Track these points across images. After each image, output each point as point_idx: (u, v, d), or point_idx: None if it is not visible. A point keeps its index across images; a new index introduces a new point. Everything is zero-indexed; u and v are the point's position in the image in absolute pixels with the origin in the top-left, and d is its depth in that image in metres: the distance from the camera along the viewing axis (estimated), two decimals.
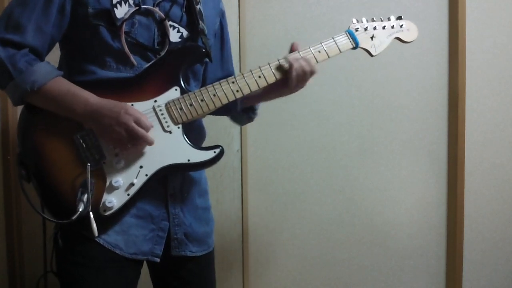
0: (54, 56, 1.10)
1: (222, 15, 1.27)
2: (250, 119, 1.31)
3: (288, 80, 1.09)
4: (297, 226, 1.83)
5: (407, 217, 1.82)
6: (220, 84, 1.08)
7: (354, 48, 1.16)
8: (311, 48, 1.12)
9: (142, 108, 1.03)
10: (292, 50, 1.12)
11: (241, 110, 1.25)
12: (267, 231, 1.83)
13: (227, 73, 1.26)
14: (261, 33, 1.78)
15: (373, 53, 1.17)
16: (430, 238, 1.82)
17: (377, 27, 1.17)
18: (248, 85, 1.09)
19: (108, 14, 1.03)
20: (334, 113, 1.80)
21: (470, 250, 1.82)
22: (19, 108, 1.06)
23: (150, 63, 1.07)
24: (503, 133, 1.81)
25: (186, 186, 1.16)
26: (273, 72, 1.10)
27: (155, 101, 1.04)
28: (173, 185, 1.13)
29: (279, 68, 1.10)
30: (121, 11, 1.04)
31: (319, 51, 1.12)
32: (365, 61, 1.78)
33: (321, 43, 1.13)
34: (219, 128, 1.76)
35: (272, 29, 1.77)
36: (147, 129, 1.00)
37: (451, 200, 1.80)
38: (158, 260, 1.11)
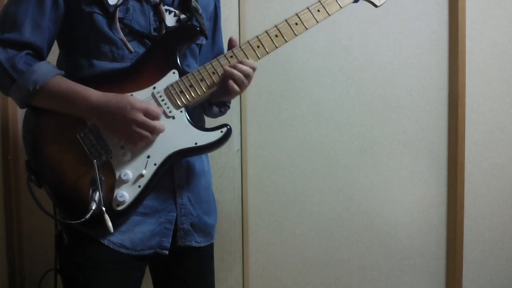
0: (50, 59, 1.09)
1: None
2: (221, 113, 1.29)
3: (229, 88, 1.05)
4: (297, 226, 1.83)
5: (407, 217, 1.82)
6: (217, 60, 1.05)
7: (356, 1, 1.11)
8: (309, 8, 1.09)
9: (141, 97, 1.01)
10: (231, 46, 1.09)
11: (215, 104, 1.22)
12: (267, 231, 1.83)
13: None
14: None
15: (377, 4, 1.13)
16: (430, 238, 1.82)
17: None
18: (247, 56, 1.06)
19: (100, 1, 1.02)
20: (334, 113, 1.80)
21: (470, 250, 1.81)
22: (19, 109, 1.06)
23: (145, 50, 1.06)
24: (503, 133, 1.81)
25: (192, 178, 1.15)
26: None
27: (154, 87, 1.03)
28: (179, 175, 1.12)
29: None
30: None
31: (319, 10, 1.09)
32: (365, 61, 1.79)
33: (319, 1, 1.09)
34: None
35: None
36: (157, 117, 0.99)
37: (451, 200, 1.80)
38: (166, 252, 1.10)
